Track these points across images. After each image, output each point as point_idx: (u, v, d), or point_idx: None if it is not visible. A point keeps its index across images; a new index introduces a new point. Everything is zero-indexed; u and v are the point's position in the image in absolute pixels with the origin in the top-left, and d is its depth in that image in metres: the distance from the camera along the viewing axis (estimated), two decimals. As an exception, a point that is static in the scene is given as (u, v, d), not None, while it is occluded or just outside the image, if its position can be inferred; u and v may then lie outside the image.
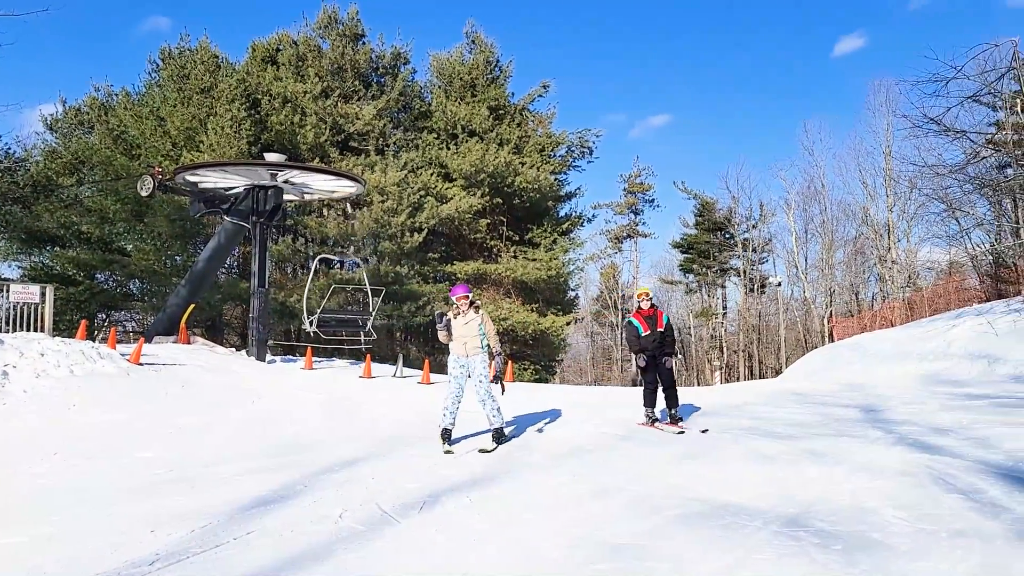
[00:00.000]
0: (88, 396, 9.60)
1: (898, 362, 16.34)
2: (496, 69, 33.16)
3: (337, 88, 29.88)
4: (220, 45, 35.88)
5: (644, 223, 53.69)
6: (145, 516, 5.12)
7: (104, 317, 28.13)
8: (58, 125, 30.68)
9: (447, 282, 29.43)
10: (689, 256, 51.54)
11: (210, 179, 17.12)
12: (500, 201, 30.56)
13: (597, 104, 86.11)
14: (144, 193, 16.73)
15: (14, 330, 12.87)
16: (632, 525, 4.86)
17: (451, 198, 29.10)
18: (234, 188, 17.20)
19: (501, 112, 32.10)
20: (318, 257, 19.40)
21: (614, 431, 8.55)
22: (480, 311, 7.79)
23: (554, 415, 9.80)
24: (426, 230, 28.20)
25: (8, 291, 13.44)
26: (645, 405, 9.00)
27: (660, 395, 8.97)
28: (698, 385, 42.50)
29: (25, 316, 13.43)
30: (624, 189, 53.19)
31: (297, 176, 17.26)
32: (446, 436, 7.59)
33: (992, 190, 21.93)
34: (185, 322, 17.14)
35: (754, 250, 48.30)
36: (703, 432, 8.25)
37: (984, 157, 18.69)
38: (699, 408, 10.45)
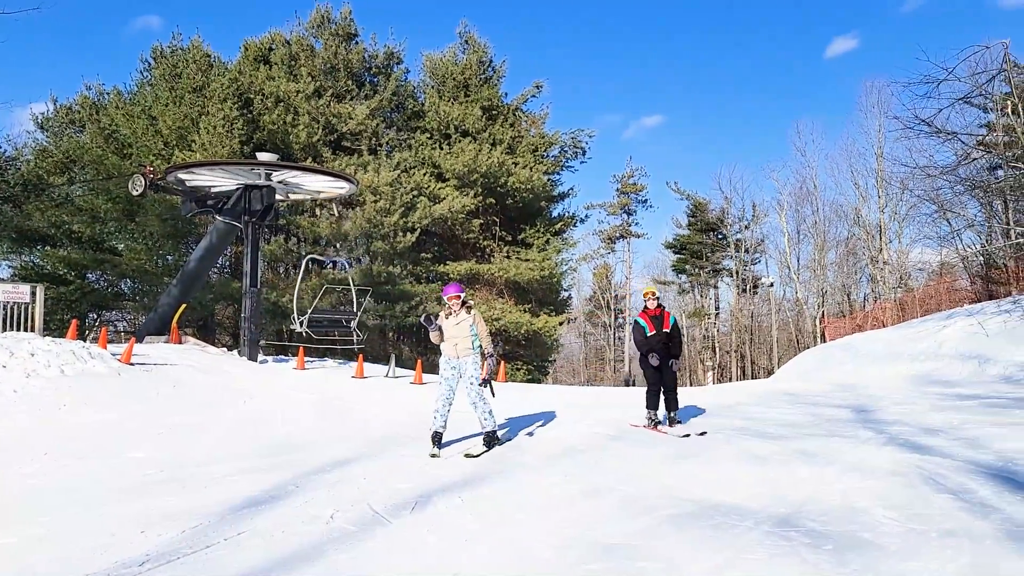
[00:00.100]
0: (79, 396, 9.55)
1: (889, 362, 16.41)
2: (489, 69, 33.19)
3: (330, 88, 29.83)
4: (212, 44, 35.88)
5: (637, 223, 53.80)
6: (136, 516, 5.10)
7: (95, 317, 28.03)
8: (49, 124, 30.50)
9: (440, 282, 29.38)
10: (682, 256, 51.68)
11: (202, 178, 17.05)
12: (493, 201, 30.57)
13: (590, 104, 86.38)
14: (135, 192, 16.64)
15: (4, 330, 12.80)
16: (624, 525, 4.86)
17: (444, 198, 29.10)
18: (226, 187, 17.14)
19: (494, 112, 32.11)
20: (306, 258, 19.36)
21: (606, 431, 8.54)
22: (472, 311, 7.57)
23: (547, 415, 9.79)
24: (419, 230, 28.19)
25: (-2, 291, 13.37)
26: (648, 407, 8.80)
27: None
28: (691, 385, 42.58)
29: (15, 316, 13.36)
30: (617, 189, 53.27)
31: (290, 176, 17.21)
32: (436, 440, 7.37)
33: (983, 191, 22.08)
34: (177, 322, 17.07)
35: (746, 251, 48.45)
36: (701, 435, 8.16)
37: (975, 159, 18.82)
38: (703, 410, 10.37)
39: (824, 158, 64.42)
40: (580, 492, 5.78)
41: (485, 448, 7.45)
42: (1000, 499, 5.03)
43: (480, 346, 7.53)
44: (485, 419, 7.55)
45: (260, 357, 16.76)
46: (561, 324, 33.29)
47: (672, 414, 8.77)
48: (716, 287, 52.18)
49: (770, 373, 33.65)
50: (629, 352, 52.99)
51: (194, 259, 18.30)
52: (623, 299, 55.17)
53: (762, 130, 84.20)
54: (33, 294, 13.62)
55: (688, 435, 8.13)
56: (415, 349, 28.76)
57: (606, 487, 5.89)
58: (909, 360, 16.02)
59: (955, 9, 71.02)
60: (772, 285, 46.19)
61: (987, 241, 28.09)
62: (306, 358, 16.25)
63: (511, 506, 5.44)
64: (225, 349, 18.35)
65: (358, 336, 17.68)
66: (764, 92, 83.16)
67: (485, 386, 7.52)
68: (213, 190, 17.38)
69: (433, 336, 7.59)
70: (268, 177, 16.65)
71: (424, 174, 29.36)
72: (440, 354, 7.73)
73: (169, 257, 26.96)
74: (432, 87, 32.95)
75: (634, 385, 44.67)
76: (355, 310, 18.41)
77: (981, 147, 19.22)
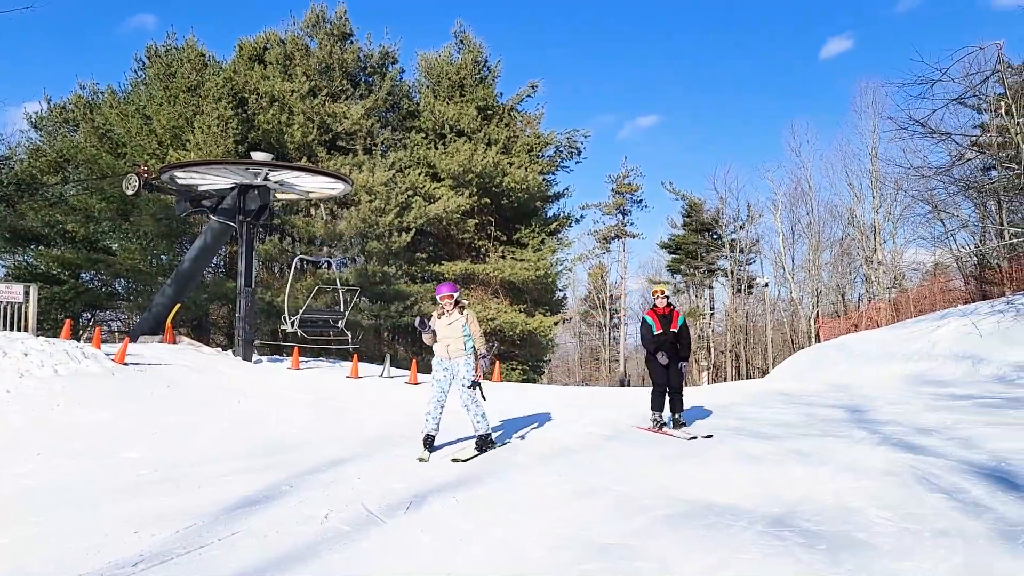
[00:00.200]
0: (72, 396, 9.52)
1: (883, 363, 16.46)
2: (484, 69, 33.17)
3: (325, 87, 29.77)
4: (207, 43, 35.52)
5: (632, 224, 53.90)
6: (129, 516, 5.09)
7: (89, 316, 27.94)
8: (43, 123, 30.36)
9: (435, 282, 29.37)
10: (677, 257, 51.72)
11: (196, 178, 17.01)
12: (488, 201, 30.56)
13: (585, 104, 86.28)
14: (130, 192, 16.60)
15: (-3, 329, 12.75)
16: (618, 525, 4.87)
17: (439, 198, 29.07)
18: (221, 187, 17.10)
19: (489, 112, 32.09)
20: (296, 258, 19.38)
21: (601, 432, 8.54)
22: (465, 311, 7.44)
23: (542, 416, 9.79)
24: (414, 230, 28.16)
25: (-9, 290, 13.32)
26: (652, 408, 8.72)
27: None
28: (686, 385, 42.65)
29: (8, 315, 13.30)
30: (612, 190, 53.35)
31: (285, 176, 17.18)
32: (428, 443, 7.25)
33: (977, 192, 22.17)
34: (171, 322, 17.04)
35: (741, 251, 48.54)
36: (708, 437, 7.97)
37: (969, 159, 18.90)
38: (710, 412, 10.33)
39: (819, 158, 64.55)
40: (574, 492, 5.78)
41: (476, 452, 7.30)
42: (993, 499, 5.04)
43: (473, 347, 7.44)
44: (478, 422, 7.43)
45: (255, 357, 16.73)
46: (556, 324, 33.32)
47: (676, 416, 8.66)
48: (711, 287, 52.30)
49: (765, 373, 33.72)
50: (625, 352, 53.09)
51: (188, 259, 18.26)
52: (618, 299, 55.23)
53: (757, 130, 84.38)
54: (26, 294, 13.55)
55: (695, 437, 7.99)
56: (410, 349, 28.74)
57: (601, 487, 5.89)
58: (903, 360, 16.07)
59: (949, 10, 71.26)
60: (767, 285, 46.35)
61: (981, 241, 28.19)
62: (301, 358, 16.23)
63: (505, 506, 5.44)
64: (219, 349, 18.31)
65: (349, 335, 17.66)
66: (759, 93, 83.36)
67: (474, 388, 7.39)
68: (207, 189, 17.33)
69: (426, 338, 7.50)
70: (265, 177, 16.61)
71: (419, 174, 29.33)
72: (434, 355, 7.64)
73: (163, 257, 26.90)
74: (427, 87, 32.92)
75: (629, 385, 44.69)
76: (343, 310, 18.38)
77: (975, 148, 19.31)
